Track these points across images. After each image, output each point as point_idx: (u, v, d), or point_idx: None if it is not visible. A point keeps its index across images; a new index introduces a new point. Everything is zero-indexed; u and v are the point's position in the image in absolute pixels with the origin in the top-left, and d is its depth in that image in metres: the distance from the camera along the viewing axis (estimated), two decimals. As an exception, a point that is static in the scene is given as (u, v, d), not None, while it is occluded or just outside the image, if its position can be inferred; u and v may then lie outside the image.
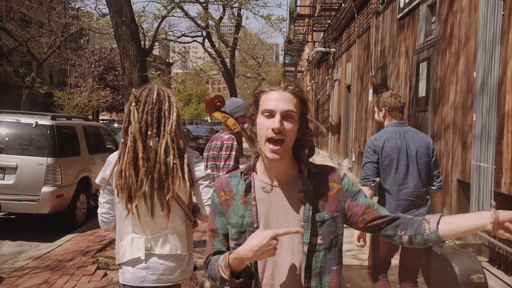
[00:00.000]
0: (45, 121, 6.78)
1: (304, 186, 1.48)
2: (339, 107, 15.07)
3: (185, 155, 2.10)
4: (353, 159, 12.12)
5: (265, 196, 1.49)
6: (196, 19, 16.00)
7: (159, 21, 10.73)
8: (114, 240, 3.01)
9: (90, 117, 45.19)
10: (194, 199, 2.23)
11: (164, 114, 2.08)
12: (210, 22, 17.30)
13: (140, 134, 2.04)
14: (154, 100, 2.08)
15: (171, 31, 25.25)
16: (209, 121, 51.88)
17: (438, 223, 1.43)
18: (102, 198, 2.22)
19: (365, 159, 3.05)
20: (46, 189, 6.44)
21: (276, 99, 1.43)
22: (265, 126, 1.42)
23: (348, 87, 13.53)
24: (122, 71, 5.79)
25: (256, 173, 1.53)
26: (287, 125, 1.42)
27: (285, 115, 1.42)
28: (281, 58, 32.69)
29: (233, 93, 22.07)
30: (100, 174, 2.20)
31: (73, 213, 7.15)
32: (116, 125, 39.95)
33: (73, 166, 7.19)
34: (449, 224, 1.42)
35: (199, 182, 2.15)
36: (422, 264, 3.13)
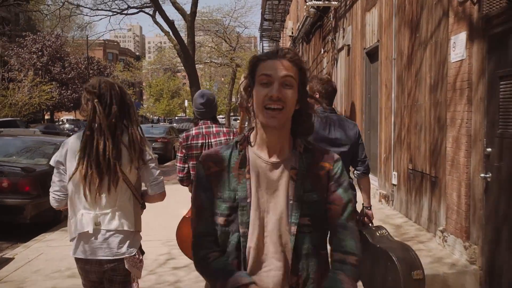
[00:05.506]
0: None
1: (297, 163, 1.44)
2: (350, 90, 9.44)
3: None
4: (394, 182, 6.55)
5: (256, 171, 1.43)
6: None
7: None
8: None
9: (47, 117, 38.66)
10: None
11: (127, 104, 2.31)
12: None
13: (109, 128, 2.20)
14: (119, 93, 2.28)
15: (116, 2, 19.97)
16: (176, 117, 45.80)
17: None
18: (55, 177, 2.34)
19: None
20: None
21: (274, 66, 1.38)
22: (262, 94, 1.37)
23: (370, 54, 7.95)
24: None
25: (251, 145, 1.47)
26: (286, 92, 1.37)
27: (284, 82, 1.37)
28: (258, 39, 26.87)
29: (194, 79, 16.34)
30: (55, 156, 2.33)
31: None
32: (67, 126, 33.48)
33: None
34: None
35: (147, 164, 2.32)
36: None
